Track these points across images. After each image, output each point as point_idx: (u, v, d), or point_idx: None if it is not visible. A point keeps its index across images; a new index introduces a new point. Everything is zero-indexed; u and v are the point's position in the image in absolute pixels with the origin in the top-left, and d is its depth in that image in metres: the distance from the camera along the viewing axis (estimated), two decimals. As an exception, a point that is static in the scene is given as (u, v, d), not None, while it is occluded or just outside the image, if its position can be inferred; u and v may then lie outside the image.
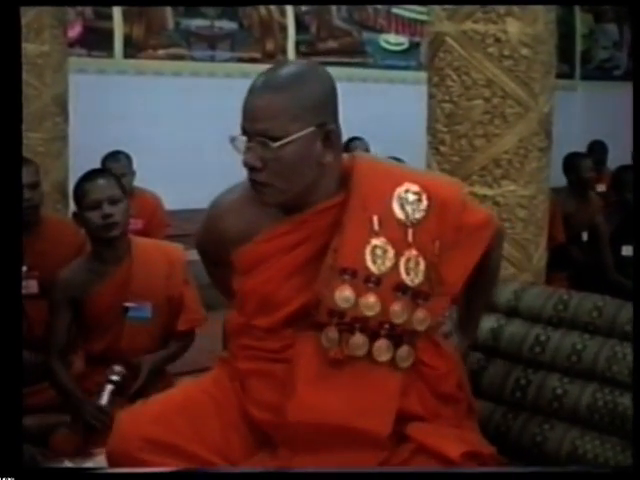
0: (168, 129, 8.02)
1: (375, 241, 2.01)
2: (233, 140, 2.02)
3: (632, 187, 5.01)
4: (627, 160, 6.49)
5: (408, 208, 2.04)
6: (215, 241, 2.22)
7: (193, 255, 4.02)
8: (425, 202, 2.05)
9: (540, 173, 3.02)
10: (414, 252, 2.02)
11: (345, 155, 2.13)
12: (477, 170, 2.95)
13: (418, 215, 2.04)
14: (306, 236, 2.07)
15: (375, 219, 2.02)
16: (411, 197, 2.04)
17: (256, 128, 1.97)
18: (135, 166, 5.51)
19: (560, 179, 6.31)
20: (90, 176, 3.34)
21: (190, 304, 3.37)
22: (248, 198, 2.12)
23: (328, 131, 2.02)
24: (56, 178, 5.64)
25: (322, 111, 2.01)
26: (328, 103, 2.04)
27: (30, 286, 3.67)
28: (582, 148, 7.39)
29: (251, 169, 2.00)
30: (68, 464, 2.82)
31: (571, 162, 6.12)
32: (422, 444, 2.04)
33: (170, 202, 5.87)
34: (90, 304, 3.26)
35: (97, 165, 5.22)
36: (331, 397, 2.03)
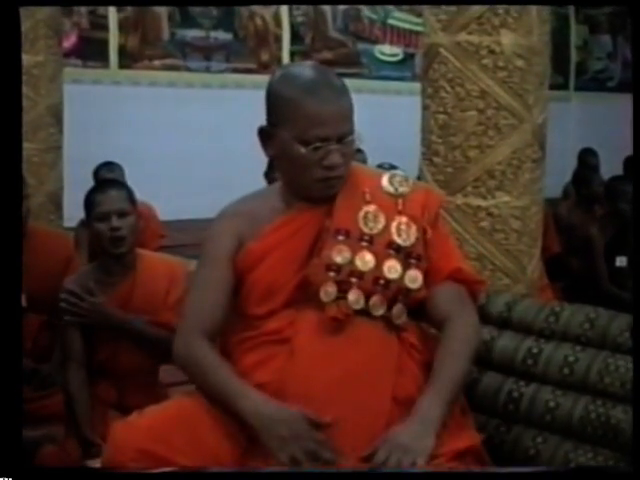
0: (163, 140, 8.02)
1: (367, 208, 2.21)
2: (315, 149, 2.14)
3: (627, 198, 5.01)
4: (621, 171, 6.53)
5: (396, 184, 2.27)
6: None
7: (190, 266, 4.01)
8: (411, 182, 2.30)
9: (534, 184, 3.02)
10: (404, 219, 2.22)
11: None
12: (471, 181, 2.95)
13: (406, 189, 2.26)
14: (306, 222, 2.22)
15: (367, 190, 2.23)
16: (398, 179, 2.29)
17: (342, 130, 2.16)
18: (129, 176, 5.51)
19: (554, 190, 6.33)
20: (102, 186, 3.31)
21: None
22: (245, 211, 2.28)
23: None
24: (50, 188, 5.65)
25: None
26: None
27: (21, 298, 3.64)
28: (576, 159, 7.42)
29: (334, 168, 2.16)
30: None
31: (583, 176, 6.20)
32: None
33: (164, 213, 5.86)
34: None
35: (91, 176, 5.25)
36: (331, 366, 2.10)
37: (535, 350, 2.48)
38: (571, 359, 2.41)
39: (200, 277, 2.28)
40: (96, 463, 2.32)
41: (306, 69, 2.25)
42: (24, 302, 3.61)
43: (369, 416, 2.07)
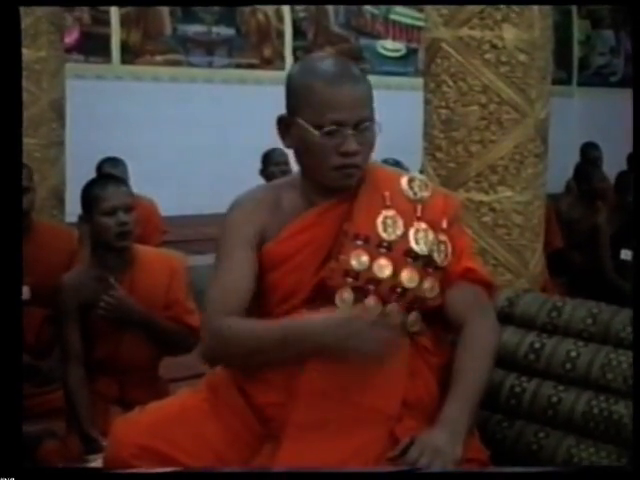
0: (165, 135, 8.02)
1: (386, 212, 2.18)
2: (330, 134, 2.11)
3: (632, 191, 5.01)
4: (624, 166, 6.52)
5: (416, 188, 2.24)
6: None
7: (192, 261, 4.00)
8: (430, 187, 2.28)
9: (536, 179, 3.01)
10: (423, 225, 2.19)
11: None
12: (473, 176, 2.95)
13: (425, 194, 2.24)
14: (326, 225, 2.19)
15: (387, 194, 2.20)
16: (417, 182, 2.26)
17: (358, 116, 2.13)
18: (132, 172, 5.51)
19: (556, 185, 6.32)
20: (104, 181, 3.32)
21: (192, 324, 3.29)
22: (266, 201, 2.24)
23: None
24: (52, 184, 5.63)
25: None
26: None
27: (22, 292, 3.64)
28: (578, 155, 7.40)
29: (350, 155, 2.13)
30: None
31: (583, 171, 6.19)
32: None
33: (167, 208, 5.85)
34: (94, 312, 3.23)
35: (94, 171, 5.24)
36: (342, 367, 2.03)
37: (537, 345, 2.48)
38: (573, 354, 2.41)
39: (223, 263, 2.19)
40: (97, 458, 2.31)
41: (324, 58, 2.29)
42: (28, 295, 3.62)
43: (378, 418, 2.05)
